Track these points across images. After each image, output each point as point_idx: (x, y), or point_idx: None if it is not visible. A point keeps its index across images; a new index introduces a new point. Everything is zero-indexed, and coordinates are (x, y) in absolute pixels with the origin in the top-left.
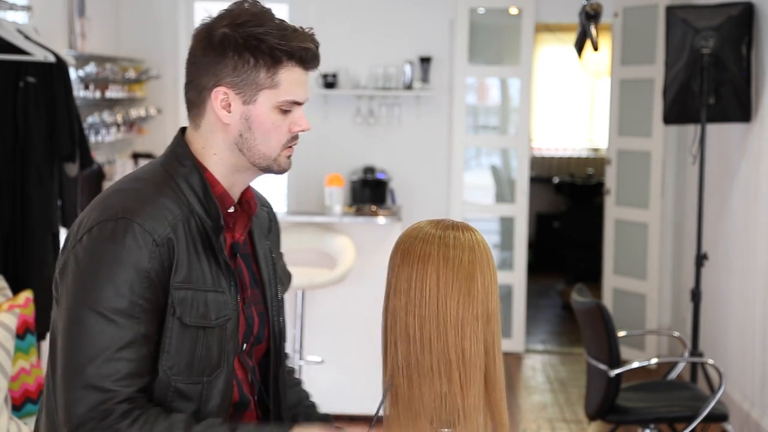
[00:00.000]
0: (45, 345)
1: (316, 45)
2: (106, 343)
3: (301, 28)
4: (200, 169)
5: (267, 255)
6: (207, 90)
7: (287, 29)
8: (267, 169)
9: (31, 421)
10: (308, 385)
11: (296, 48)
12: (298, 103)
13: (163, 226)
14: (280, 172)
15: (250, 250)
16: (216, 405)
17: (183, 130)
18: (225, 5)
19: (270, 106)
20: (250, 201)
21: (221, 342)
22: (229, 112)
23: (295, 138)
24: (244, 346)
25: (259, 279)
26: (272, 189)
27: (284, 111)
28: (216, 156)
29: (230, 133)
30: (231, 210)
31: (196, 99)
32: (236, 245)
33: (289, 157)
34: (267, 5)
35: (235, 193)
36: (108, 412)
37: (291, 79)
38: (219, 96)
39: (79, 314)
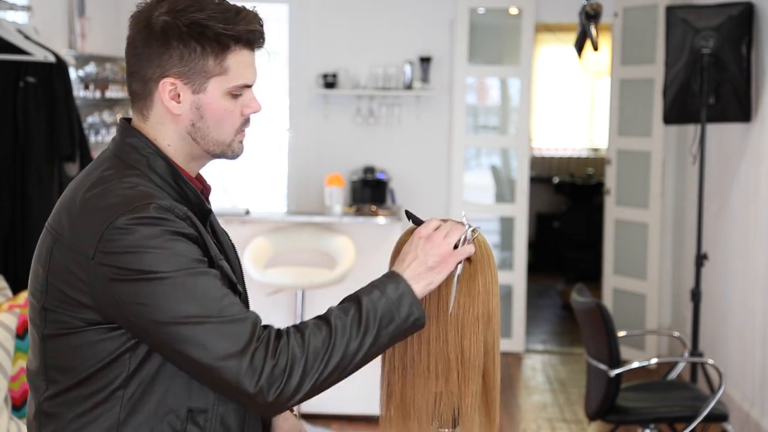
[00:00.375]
0: None
1: (261, 23)
2: (210, 290)
3: (243, 7)
4: (164, 156)
5: (223, 230)
6: (153, 81)
7: (230, 11)
8: (221, 155)
9: None
10: None
11: (243, 31)
12: (249, 86)
13: (176, 203)
14: (234, 157)
15: (211, 230)
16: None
17: (126, 121)
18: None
19: (221, 93)
20: (203, 182)
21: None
22: (179, 102)
23: (247, 121)
24: None
25: (224, 254)
26: (272, 189)
27: (235, 95)
28: (170, 147)
29: (181, 123)
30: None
31: (141, 91)
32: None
33: (242, 141)
34: (266, 6)
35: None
36: (264, 338)
37: (240, 63)
38: (167, 87)
39: (167, 290)
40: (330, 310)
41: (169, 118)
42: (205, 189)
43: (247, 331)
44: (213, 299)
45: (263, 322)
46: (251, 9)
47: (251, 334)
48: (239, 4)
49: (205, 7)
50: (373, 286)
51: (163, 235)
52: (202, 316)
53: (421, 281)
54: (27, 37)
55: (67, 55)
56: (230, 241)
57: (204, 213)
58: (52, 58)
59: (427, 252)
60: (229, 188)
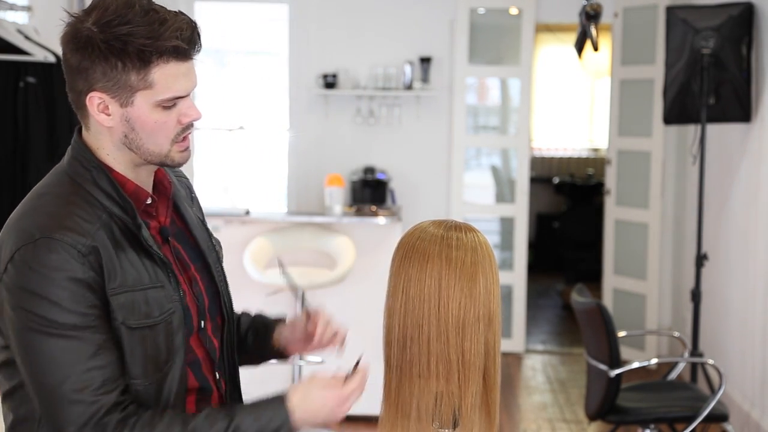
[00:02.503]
0: None
1: (191, 30)
2: (74, 361)
3: (169, 17)
4: (106, 171)
5: (198, 222)
6: (83, 94)
7: (154, 23)
8: (161, 165)
9: None
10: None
11: (164, 46)
12: (181, 97)
13: (84, 236)
14: (176, 166)
15: (182, 225)
16: (172, 398)
17: (80, 130)
18: (225, 5)
19: (149, 106)
20: (162, 181)
21: (168, 336)
22: (108, 115)
23: (187, 128)
24: (202, 323)
25: (198, 249)
26: (272, 189)
27: (167, 107)
28: (109, 156)
29: (115, 135)
30: (149, 201)
31: (76, 102)
32: (164, 230)
33: (183, 150)
34: (266, 7)
35: (147, 185)
36: (103, 425)
37: (167, 76)
38: (95, 101)
39: (34, 342)
40: (200, 413)
41: (104, 129)
42: (165, 190)
43: (86, 415)
44: (69, 373)
45: (126, 402)
46: (179, 17)
47: (89, 419)
48: (170, 11)
49: (131, 19)
50: (255, 406)
51: (54, 283)
52: (51, 385)
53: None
54: (27, 37)
55: None
56: (209, 238)
57: (137, 228)
58: (52, 58)
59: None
60: (229, 188)
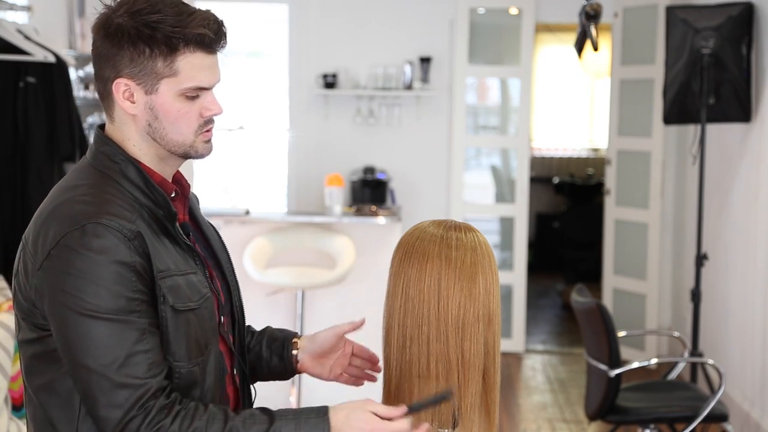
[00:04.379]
0: None
1: (218, 24)
2: (120, 344)
3: (198, 10)
4: (134, 162)
5: (208, 224)
6: (110, 82)
7: (183, 13)
8: (185, 156)
9: None
10: (308, 386)
11: (192, 34)
12: (205, 88)
13: (128, 221)
14: (200, 157)
15: (195, 226)
16: (212, 382)
17: (101, 127)
18: (225, 5)
19: (173, 95)
20: (181, 180)
21: (208, 320)
22: (133, 102)
23: (209, 122)
24: (222, 318)
25: (211, 249)
26: (272, 189)
27: (191, 97)
28: (136, 147)
29: (140, 124)
30: (172, 195)
31: (103, 91)
32: (186, 226)
33: (207, 141)
34: (266, 7)
35: (170, 179)
36: (148, 408)
37: (192, 65)
38: (120, 88)
39: (81, 327)
40: (240, 413)
41: (129, 118)
42: (184, 189)
43: (133, 398)
44: (117, 354)
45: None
46: (206, 11)
47: (135, 401)
48: (197, 7)
49: (161, 9)
50: (297, 415)
51: (105, 267)
52: (97, 369)
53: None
54: (27, 37)
55: (67, 55)
56: (219, 238)
57: (171, 217)
58: (52, 59)
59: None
60: (229, 188)
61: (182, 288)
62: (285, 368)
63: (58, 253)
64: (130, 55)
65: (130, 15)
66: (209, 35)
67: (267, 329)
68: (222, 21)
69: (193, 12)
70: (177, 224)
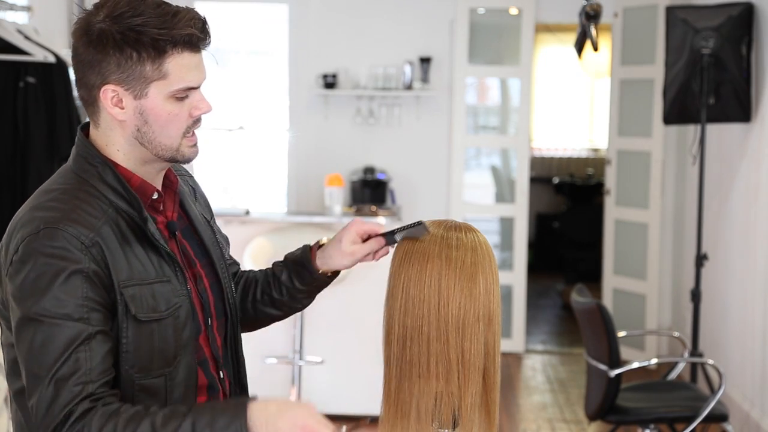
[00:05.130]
0: None
1: (203, 22)
2: (59, 346)
3: (181, 9)
4: (112, 166)
5: (201, 219)
6: (96, 88)
7: (167, 14)
8: (172, 160)
9: None
10: (308, 385)
11: (179, 35)
12: (194, 88)
13: (88, 229)
14: (186, 161)
15: (187, 221)
16: (180, 393)
17: (84, 128)
18: (225, 5)
19: (163, 97)
20: (168, 175)
21: (176, 331)
22: (122, 108)
23: (196, 122)
24: (209, 320)
25: (203, 246)
26: (272, 189)
27: (180, 98)
28: (120, 152)
29: (128, 129)
30: (155, 196)
31: (87, 97)
32: (172, 224)
33: (192, 145)
34: (266, 7)
35: (155, 181)
36: (69, 413)
37: (180, 66)
38: (108, 94)
39: (27, 328)
40: (155, 411)
41: (116, 124)
42: (172, 184)
43: (60, 400)
44: (53, 359)
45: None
46: (189, 9)
47: (62, 404)
48: (180, 5)
49: (143, 11)
50: (213, 408)
51: (50, 271)
52: (35, 371)
53: (264, 425)
54: (27, 37)
55: (67, 55)
56: (213, 234)
57: (143, 221)
58: (52, 59)
59: (284, 406)
60: (229, 188)
61: (146, 298)
62: (311, 278)
63: (18, 258)
64: (116, 60)
65: (112, 19)
66: (196, 34)
67: (282, 264)
68: (205, 18)
69: (177, 12)
70: (151, 228)
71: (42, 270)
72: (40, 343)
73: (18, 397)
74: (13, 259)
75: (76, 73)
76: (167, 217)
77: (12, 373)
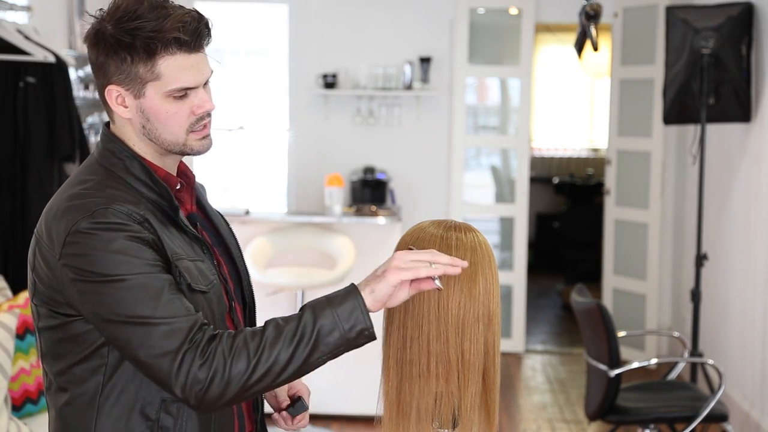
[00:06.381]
0: None
1: (196, 23)
2: (156, 291)
3: (173, 10)
4: (138, 158)
5: (215, 212)
6: (103, 89)
7: (161, 17)
8: (182, 153)
9: (31, 421)
10: (308, 385)
11: (167, 38)
12: (191, 88)
13: (136, 207)
14: (198, 153)
15: (203, 215)
16: None
17: (108, 124)
18: (225, 5)
19: (160, 97)
20: (186, 171)
21: (214, 305)
22: (126, 107)
23: (201, 119)
24: (232, 304)
25: (220, 236)
26: (272, 189)
27: (179, 97)
28: (136, 147)
29: (135, 126)
30: (178, 187)
31: (100, 97)
32: (193, 216)
33: (202, 138)
34: (266, 7)
35: (173, 172)
36: (198, 341)
37: (174, 67)
38: (113, 94)
39: (115, 294)
40: (274, 319)
41: (125, 121)
42: (189, 180)
43: (182, 333)
44: (155, 302)
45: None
46: (184, 11)
47: (185, 336)
48: (180, 5)
49: (141, 14)
50: (327, 295)
51: (120, 240)
52: (142, 317)
53: (367, 288)
54: (27, 37)
55: (67, 55)
56: (227, 226)
57: (174, 209)
58: (51, 59)
59: (384, 263)
60: (229, 188)
61: (194, 271)
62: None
63: (73, 240)
64: (114, 62)
65: (113, 23)
66: (183, 38)
67: None
68: (201, 17)
69: (170, 14)
70: (181, 215)
71: (106, 242)
72: (136, 296)
73: (61, 378)
74: (66, 241)
75: (92, 73)
76: (187, 209)
77: (52, 355)
